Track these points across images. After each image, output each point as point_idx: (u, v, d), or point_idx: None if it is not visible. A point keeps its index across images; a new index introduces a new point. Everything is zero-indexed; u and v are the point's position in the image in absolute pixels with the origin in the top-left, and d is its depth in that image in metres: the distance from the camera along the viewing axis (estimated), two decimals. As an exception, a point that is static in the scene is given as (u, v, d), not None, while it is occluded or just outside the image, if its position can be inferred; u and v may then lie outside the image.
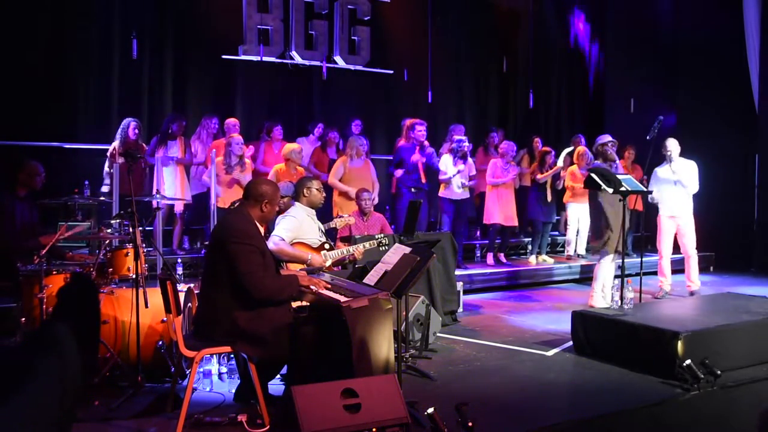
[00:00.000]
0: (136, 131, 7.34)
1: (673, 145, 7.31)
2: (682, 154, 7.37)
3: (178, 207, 7.59)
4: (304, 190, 4.98)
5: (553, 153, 8.99)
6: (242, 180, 7.09)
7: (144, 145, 7.51)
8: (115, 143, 7.32)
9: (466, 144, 8.17)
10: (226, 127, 8.01)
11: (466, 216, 8.49)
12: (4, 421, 1.49)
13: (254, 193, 3.93)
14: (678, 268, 7.65)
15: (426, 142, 8.17)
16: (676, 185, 7.25)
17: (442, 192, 8.19)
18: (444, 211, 8.20)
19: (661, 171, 7.41)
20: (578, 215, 8.98)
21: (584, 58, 12.18)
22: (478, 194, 9.24)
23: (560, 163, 9.65)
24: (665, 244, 7.45)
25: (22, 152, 7.30)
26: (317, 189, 5.00)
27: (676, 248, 7.54)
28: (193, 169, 7.90)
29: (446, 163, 8.09)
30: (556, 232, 10.09)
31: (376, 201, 7.20)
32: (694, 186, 7.25)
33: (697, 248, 7.46)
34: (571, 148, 9.55)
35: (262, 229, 4.05)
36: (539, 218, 8.91)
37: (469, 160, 8.26)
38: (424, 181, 8.07)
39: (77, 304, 4.10)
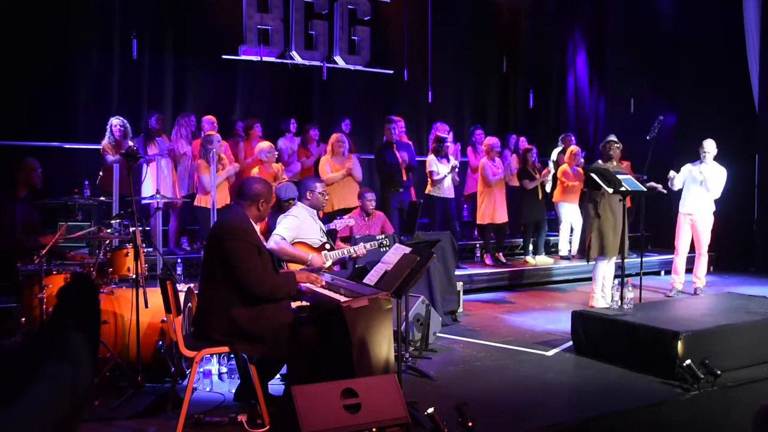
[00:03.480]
0: (120, 129, 7.26)
1: (710, 147, 7.38)
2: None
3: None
4: (308, 192, 4.98)
5: (534, 151, 8.94)
6: (223, 178, 7.09)
7: (132, 143, 7.44)
8: (105, 141, 7.29)
9: (448, 143, 8.16)
10: (203, 125, 7.94)
11: (456, 214, 8.49)
12: (12, 420, 1.50)
13: (249, 193, 3.92)
14: (687, 267, 7.72)
15: (404, 137, 8.24)
16: (702, 185, 7.33)
17: (429, 190, 8.16)
18: (435, 209, 8.18)
19: (693, 168, 7.46)
20: (570, 215, 8.99)
21: (584, 58, 12.18)
22: (469, 194, 9.22)
23: (553, 159, 9.63)
24: (682, 242, 7.51)
25: (22, 152, 7.29)
26: (320, 192, 5.01)
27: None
28: (180, 169, 7.81)
29: (434, 163, 8.07)
30: (555, 233, 10.09)
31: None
32: (717, 192, 7.36)
33: (709, 248, 7.55)
34: (561, 147, 9.52)
35: (259, 228, 4.05)
36: (534, 219, 8.90)
37: (452, 158, 8.22)
38: (405, 179, 8.05)
39: (77, 304, 4.10)
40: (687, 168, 7.56)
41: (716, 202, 7.56)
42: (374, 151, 8.76)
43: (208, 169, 7.06)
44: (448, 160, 8.11)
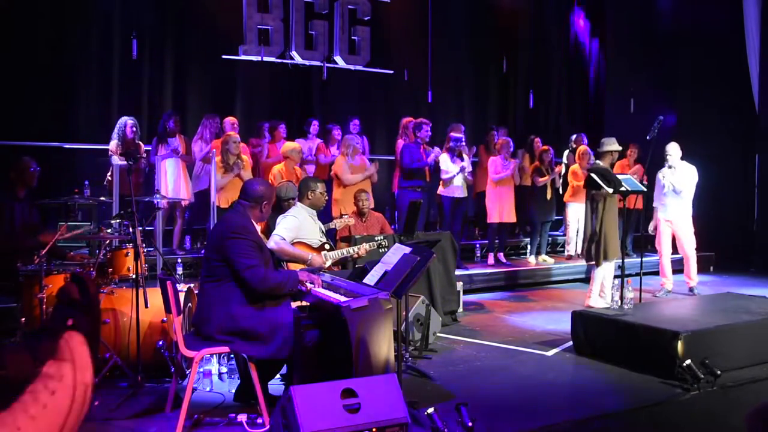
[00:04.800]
0: (134, 129, 7.34)
1: (673, 150, 7.34)
2: (683, 155, 7.39)
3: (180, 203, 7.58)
4: (309, 192, 4.98)
5: (551, 151, 8.99)
6: (243, 178, 7.08)
7: (142, 144, 7.49)
8: (113, 142, 7.31)
9: (464, 143, 8.18)
10: (224, 126, 8.00)
11: (463, 214, 8.50)
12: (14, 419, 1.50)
13: (252, 195, 3.94)
14: (677, 268, 7.72)
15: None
16: (672, 191, 7.33)
17: (441, 190, 8.19)
18: (444, 209, 8.21)
19: (660, 174, 7.49)
20: (578, 215, 8.98)
21: (584, 57, 12.19)
22: (477, 193, 9.23)
23: (564, 162, 9.65)
24: (664, 245, 7.55)
25: (21, 152, 7.29)
26: (321, 192, 5.00)
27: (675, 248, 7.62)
28: (197, 167, 7.83)
29: (446, 162, 8.10)
30: (557, 232, 10.09)
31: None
32: (688, 192, 7.31)
33: (696, 248, 7.54)
34: (572, 147, 9.54)
35: (259, 228, 4.06)
36: (539, 218, 8.92)
37: (465, 157, 8.22)
38: (428, 180, 8.09)
39: (77, 304, 4.10)
40: (657, 175, 7.56)
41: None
42: (400, 148, 8.66)
43: (221, 169, 7.09)
44: (462, 159, 8.11)
